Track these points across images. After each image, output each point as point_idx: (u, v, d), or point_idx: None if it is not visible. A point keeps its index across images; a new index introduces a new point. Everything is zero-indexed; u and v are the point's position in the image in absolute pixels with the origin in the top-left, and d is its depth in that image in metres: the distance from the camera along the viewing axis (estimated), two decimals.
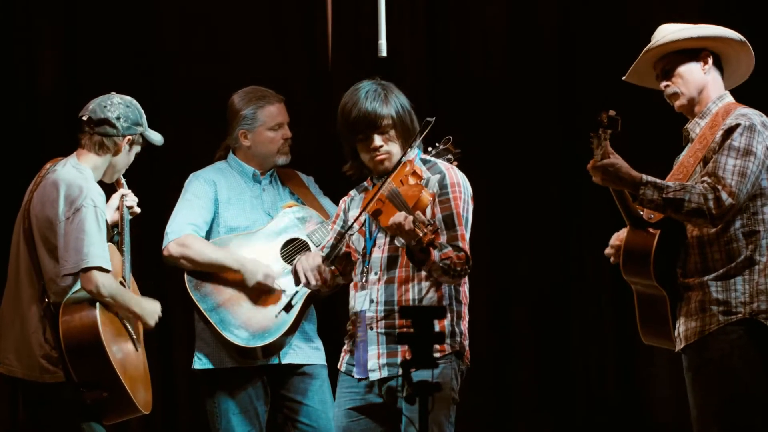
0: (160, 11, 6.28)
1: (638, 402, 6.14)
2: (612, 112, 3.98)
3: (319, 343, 5.05)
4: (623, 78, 4.34)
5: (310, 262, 4.32)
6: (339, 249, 4.35)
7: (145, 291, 4.69)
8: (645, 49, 4.23)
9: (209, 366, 4.94)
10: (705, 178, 4.05)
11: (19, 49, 6.16)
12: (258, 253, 4.95)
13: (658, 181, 4.04)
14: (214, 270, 4.92)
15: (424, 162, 4.35)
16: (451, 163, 4.80)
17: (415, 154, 4.33)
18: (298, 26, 6.30)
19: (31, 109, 6.13)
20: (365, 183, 4.42)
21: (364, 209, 4.22)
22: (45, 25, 6.18)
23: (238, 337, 4.86)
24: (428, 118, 4.21)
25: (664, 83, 4.24)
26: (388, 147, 4.25)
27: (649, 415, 6.10)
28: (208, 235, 4.99)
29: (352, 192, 4.47)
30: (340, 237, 4.36)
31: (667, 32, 4.22)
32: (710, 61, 4.21)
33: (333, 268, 4.38)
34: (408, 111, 4.29)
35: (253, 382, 4.95)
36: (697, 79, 4.20)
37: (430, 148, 4.82)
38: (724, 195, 3.99)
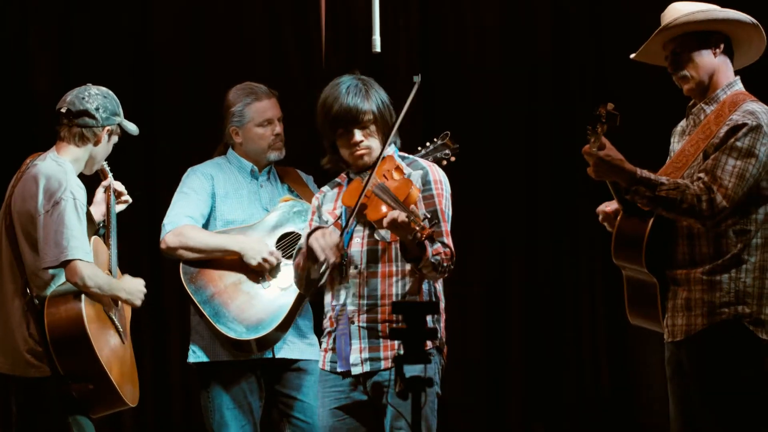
0: (154, 10, 6.26)
1: (631, 400, 6.12)
2: (611, 106, 3.93)
3: (313, 339, 5.03)
4: (631, 56, 4.28)
5: (327, 239, 4.17)
6: None
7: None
8: (657, 30, 4.16)
9: (204, 359, 4.92)
10: (701, 176, 3.99)
11: (14, 50, 6.15)
12: None
13: (653, 177, 3.99)
14: (214, 255, 4.89)
15: (402, 158, 4.33)
16: (449, 158, 4.78)
17: (392, 150, 4.32)
18: (292, 22, 6.28)
19: (26, 110, 6.13)
20: (338, 179, 4.39)
21: (357, 203, 4.16)
22: (40, 26, 6.18)
23: (232, 329, 4.83)
24: (415, 77, 4.19)
25: (674, 66, 4.18)
26: (368, 142, 4.23)
27: (642, 414, 6.07)
28: (205, 228, 4.96)
29: (324, 188, 4.43)
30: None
31: (679, 12, 4.15)
32: (722, 45, 4.14)
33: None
34: (387, 106, 4.27)
35: (248, 377, 4.92)
36: (708, 63, 4.14)
37: (428, 143, 4.81)
38: (719, 197, 3.94)
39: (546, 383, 6.18)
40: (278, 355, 4.91)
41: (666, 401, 4.36)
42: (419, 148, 4.83)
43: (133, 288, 4.48)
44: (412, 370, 3.67)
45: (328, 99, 4.24)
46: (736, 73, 4.20)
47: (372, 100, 4.22)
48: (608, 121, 3.93)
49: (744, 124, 3.99)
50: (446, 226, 4.21)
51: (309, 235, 4.22)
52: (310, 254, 4.18)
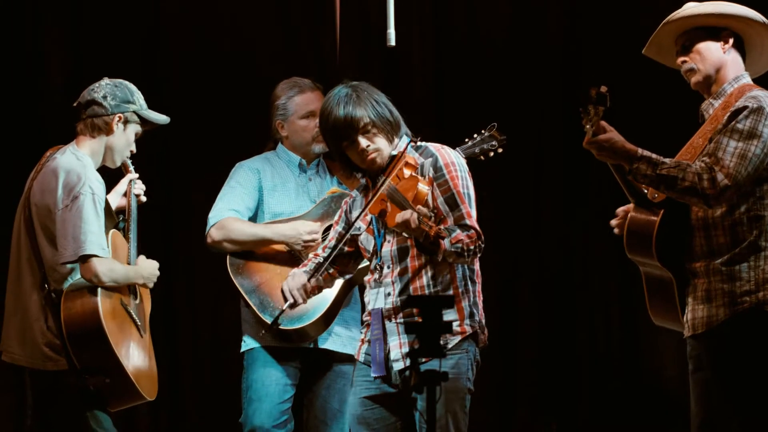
0: (165, 9, 6.26)
1: (643, 392, 6.11)
2: (603, 89, 3.90)
3: (358, 333, 5.04)
4: (643, 51, 4.27)
5: (295, 281, 4.34)
6: (339, 249, 4.37)
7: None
8: (664, 21, 4.16)
9: (253, 345, 5.00)
10: (704, 158, 3.98)
11: (26, 46, 6.15)
12: None
13: (654, 156, 3.98)
14: (255, 246, 4.96)
15: (417, 148, 4.32)
16: (496, 149, 4.82)
17: (405, 142, 4.30)
18: (307, 17, 6.29)
19: (39, 105, 6.13)
20: (363, 181, 4.40)
21: (363, 210, 4.22)
22: (52, 22, 6.18)
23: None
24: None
25: (681, 58, 4.17)
26: (375, 145, 4.23)
27: (656, 398, 6.07)
28: (252, 222, 5.03)
29: (354, 192, 4.46)
30: (341, 238, 4.38)
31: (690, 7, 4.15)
32: (731, 41, 4.12)
33: (332, 270, 4.41)
34: (384, 105, 4.26)
35: (288, 362, 4.98)
36: (715, 57, 4.12)
37: (475, 135, 4.86)
38: (720, 176, 3.91)
39: (558, 375, 6.18)
40: (321, 346, 4.97)
41: (680, 394, 4.36)
42: (466, 140, 4.86)
43: (148, 271, 4.49)
44: (429, 364, 3.68)
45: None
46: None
47: (364, 103, 4.21)
48: (599, 101, 3.90)
49: (745, 107, 3.98)
50: (467, 207, 4.19)
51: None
52: (282, 295, 4.36)
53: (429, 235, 3.98)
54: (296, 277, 4.36)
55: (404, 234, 4.14)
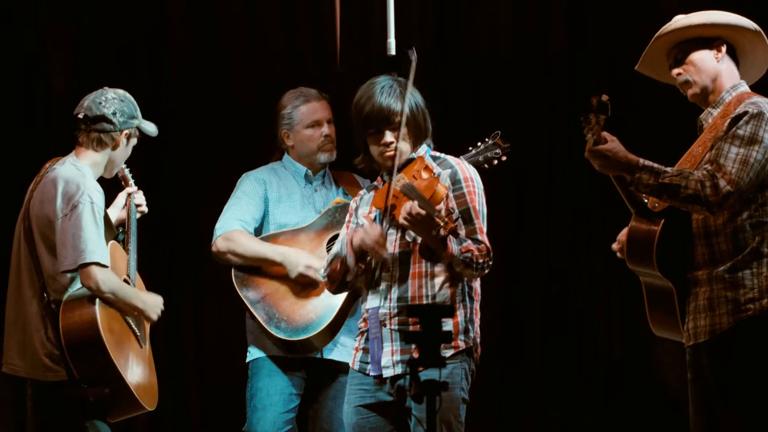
0: (169, 10, 6.27)
1: (647, 393, 6.11)
2: (605, 97, 3.90)
3: None
4: (635, 68, 4.27)
5: (372, 233, 4.15)
6: None
7: (154, 287, 4.70)
8: (655, 35, 4.16)
9: (258, 355, 5.01)
10: (706, 165, 3.97)
11: (30, 49, 6.15)
12: (304, 249, 4.98)
13: (655, 165, 3.98)
14: (258, 263, 4.97)
15: (434, 158, 4.33)
16: (500, 158, 4.81)
17: (425, 150, 4.32)
18: (307, 26, 6.29)
19: (42, 109, 6.13)
20: (375, 182, 4.41)
21: (386, 205, 4.19)
22: (56, 25, 6.18)
23: (282, 330, 4.89)
24: (410, 53, 4.14)
25: (676, 71, 4.16)
26: (398, 143, 4.23)
27: (659, 405, 6.07)
28: (258, 232, 5.06)
29: (362, 191, 4.47)
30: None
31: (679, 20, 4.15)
32: (724, 49, 4.12)
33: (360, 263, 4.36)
34: (422, 110, 4.29)
35: (294, 372, 4.99)
36: (710, 67, 4.12)
37: (479, 143, 4.87)
38: (722, 183, 3.91)
39: (562, 382, 6.18)
40: (326, 357, 4.98)
41: (682, 402, 4.35)
42: (470, 148, 4.88)
43: (151, 302, 4.50)
44: (428, 374, 3.68)
45: (362, 98, 4.26)
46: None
47: (404, 101, 4.22)
48: (599, 110, 3.90)
49: (745, 113, 3.98)
50: (479, 223, 4.21)
51: (350, 240, 4.23)
52: (362, 254, 4.20)
53: (443, 229, 3.96)
54: (370, 230, 4.16)
55: (407, 236, 4.14)
